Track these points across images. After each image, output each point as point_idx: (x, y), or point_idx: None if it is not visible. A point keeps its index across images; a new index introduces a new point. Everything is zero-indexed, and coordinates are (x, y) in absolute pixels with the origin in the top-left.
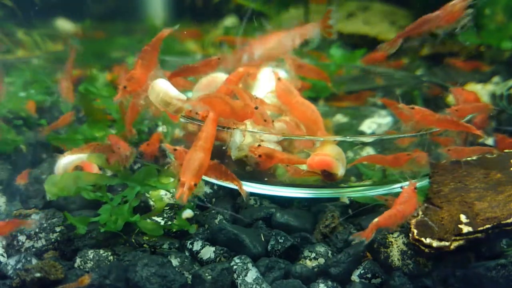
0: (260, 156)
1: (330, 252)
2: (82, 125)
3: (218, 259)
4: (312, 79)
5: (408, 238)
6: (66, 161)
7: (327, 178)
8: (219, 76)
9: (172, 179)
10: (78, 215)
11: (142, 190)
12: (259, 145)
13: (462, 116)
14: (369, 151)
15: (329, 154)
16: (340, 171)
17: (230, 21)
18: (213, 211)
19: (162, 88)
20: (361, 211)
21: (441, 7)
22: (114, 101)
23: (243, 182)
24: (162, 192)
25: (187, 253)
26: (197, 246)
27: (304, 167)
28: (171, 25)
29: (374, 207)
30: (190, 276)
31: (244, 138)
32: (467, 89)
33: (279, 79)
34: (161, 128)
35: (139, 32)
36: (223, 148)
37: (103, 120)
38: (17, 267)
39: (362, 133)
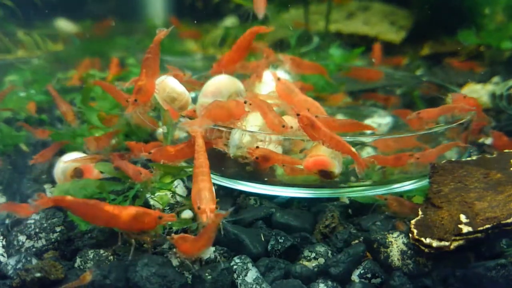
0: (257, 158)
1: (330, 252)
2: (82, 125)
3: (218, 259)
4: (311, 75)
5: (408, 238)
6: (65, 164)
7: (325, 177)
8: (225, 81)
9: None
10: None
11: (146, 191)
12: (257, 147)
13: (429, 118)
14: (369, 151)
15: (323, 154)
16: (337, 169)
17: (230, 21)
18: None
19: (170, 84)
20: (361, 211)
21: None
22: (125, 114)
23: (243, 182)
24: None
25: (189, 259)
26: None
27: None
28: (168, 26)
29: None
30: (190, 276)
31: (243, 137)
32: (469, 96)
33: (278, 79)
34: (161, 129)
35: (139, 32)
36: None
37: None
38: (17, 267)
39: (362, 133)
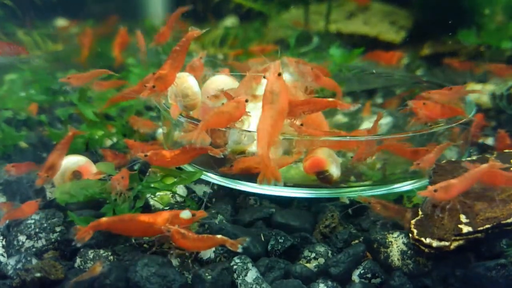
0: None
1: (330, 252)
2: (81, 125)
3: (218, 259)
4: None
5: (408, 238)
6: (64, 166)
7: (324, 180)
8: (226, 80)
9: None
10: (79, 215)
11: (147, 192)
12: (232, 165)
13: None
14: None
15: (318, 155)
16: (333, 170)
17: (230, 21)
18: (213, 211)
19: (189, 80)
20: (361, 211)
21: None
22: (141, 97)
23: (244, 182)
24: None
25: (187, 253)
26: None
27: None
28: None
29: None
30: (190, 276)
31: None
32: (433, 103)
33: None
34: (160, 130)
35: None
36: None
37: (101, 120)
38: (17, 267)
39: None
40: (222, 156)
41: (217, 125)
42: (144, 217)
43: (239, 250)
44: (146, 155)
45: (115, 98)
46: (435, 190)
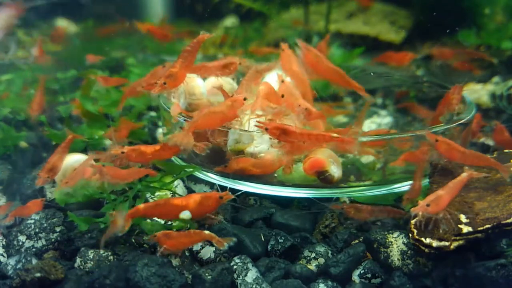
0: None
1: (330, 252)
2: (81, 125)
3: (218, 259)
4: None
5: (408, 238)
6: (66, 164)
7: (325, 181)
8: (222, 80)
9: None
10: (79, 215)
11: (146, 191)
12: (226, 166)
13: None
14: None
15: (318, 155)
16: (334, 170)
17: (230, 21)
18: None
19: (197, 81)
20: None
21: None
22: (151, 94)
23: (244, 182)
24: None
25: (187, 253)
26: (196, 246)
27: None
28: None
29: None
30: (190, 276)
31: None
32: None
33: (282, 81)
34: (161, 130)
35: (139, 32)
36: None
37: (102, 120)
38: (17, 267)
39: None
40: (208, 152)
41: (208, 125)
42: (177, 201)
43: (225, 248)
44: (123, 152)
45: (126, 93)
46: (428, 205)
